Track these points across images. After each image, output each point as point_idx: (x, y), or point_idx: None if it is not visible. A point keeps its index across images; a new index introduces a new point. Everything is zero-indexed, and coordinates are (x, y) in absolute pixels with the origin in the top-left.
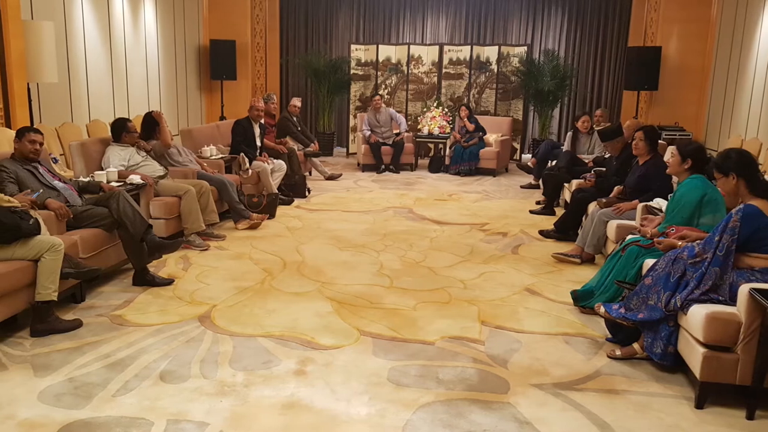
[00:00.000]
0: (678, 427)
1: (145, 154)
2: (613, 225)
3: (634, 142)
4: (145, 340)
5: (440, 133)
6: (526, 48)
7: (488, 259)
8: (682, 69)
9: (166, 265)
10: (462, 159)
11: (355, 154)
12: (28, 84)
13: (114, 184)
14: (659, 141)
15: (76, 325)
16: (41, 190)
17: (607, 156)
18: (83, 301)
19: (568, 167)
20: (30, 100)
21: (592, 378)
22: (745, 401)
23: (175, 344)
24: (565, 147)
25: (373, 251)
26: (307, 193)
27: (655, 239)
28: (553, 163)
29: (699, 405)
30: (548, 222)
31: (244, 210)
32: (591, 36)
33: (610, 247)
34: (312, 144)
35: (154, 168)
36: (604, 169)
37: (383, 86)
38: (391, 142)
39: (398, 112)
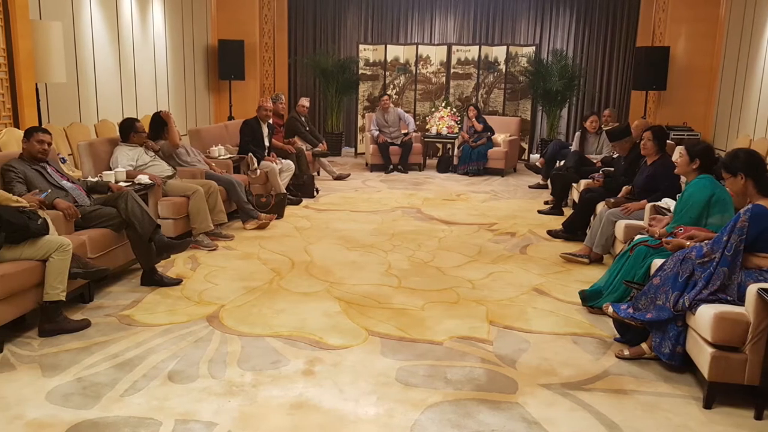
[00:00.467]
0: (686, 427)
1: (153, 154)
2: (621, 225)
3: (642, 142)
4: (153, 340)
5: (448, 133)
6: (534, 48)
7: (496, 259)
8: (690, 69)
9: (174, 265)
10: (470, 159)
11: (364, 154)
12: (36, 84)
13: (122, 184)
14: (667, 141)
15: (85, 325)
16: (49, 190)
17: (615, 156)
18: (91, 301)
19: (577, 167)
20: (38, 100)
21: (600, 378)
22: (753, 401)
23: (184, 344)
24: (574, 147)
25: (382, 251)
26: (315, 193)
27: (663, 239)
28: (562, 163)
29: (707, 405)
30: (556, 222)
31: (252, 210)
32: (599, 36)
33: (619, 247)
34: (320, 144)
35: (163, 168)
36: (612, 169)
37: (391, 86)
38: (399, 142)
39: (406, 112)
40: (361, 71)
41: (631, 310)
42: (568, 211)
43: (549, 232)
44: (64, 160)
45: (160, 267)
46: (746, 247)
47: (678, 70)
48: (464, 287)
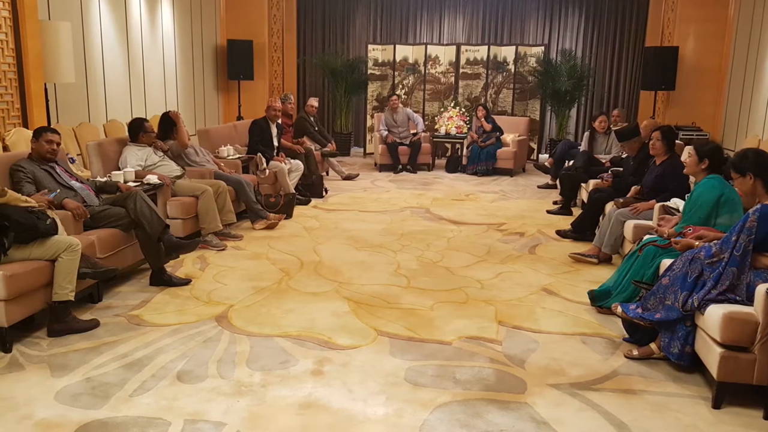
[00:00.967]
0: (695, 427)
1: (162, 154)
2: (630, 225)
3: (651, 142)
4: (162, 340)
5: (457, 133)
6: (543, 48)
7: (505, 259)
8: (699, 69)
9: (183, 265)
10: (479, 159)
11: (372, 154)
12: (45, 84)
13: (131, 184)
14: (676, 141)
15: (93, 325)
16: (58, 190)
17: (624, 156)
18: (100, 301)
19: (585, 167)
20: (47, 101)
21: (609, 378)
22: (762, 401)
23: (192, 344)
24: (582, 147)
25: (390, 251)
26: (324, 193)
27: (672, 239)
28: (570, 163)
29: (716, 405)
30: (565, 222)
31: (261, 210)
32: (608, 36)
33: (627, 247)
34: (329, 144)
35: (171, 168)
36: (621, 169)
37: (400, 86)
38: (408, 142)
39: (415, 112)
40: (370, 71)
41: (640, 310)
42: (577, 211)
43: (558, 232)
44: (73, 160)
45: (169, 267)
46: (755, 247)
47: (687, 70)
48: (473, 287)
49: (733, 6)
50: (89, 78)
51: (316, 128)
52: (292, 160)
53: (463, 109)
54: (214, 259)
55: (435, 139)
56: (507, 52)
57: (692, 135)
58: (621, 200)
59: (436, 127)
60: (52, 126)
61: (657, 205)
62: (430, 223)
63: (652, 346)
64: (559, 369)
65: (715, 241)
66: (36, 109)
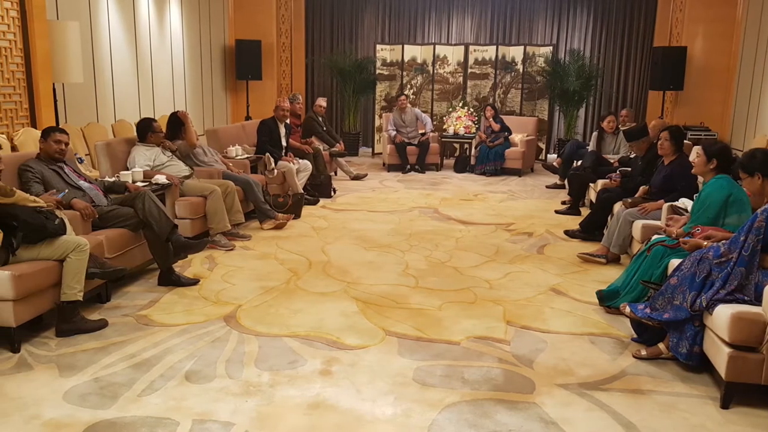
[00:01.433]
0: (703, 427)
1: (170, 154)
2: (638, 225)
3: (659, 142)
4: (170, 340)
5: (466, 133)
6: (551, 48)
7: (514, 259)
8: (707, 69)
9: (191, 265)
10: (487, 159)
11: (381, 154)
12: (53, 84)
13: (139, 184)
14: (684, 141)
15: (102, 325)
16: (67, 190)
17: (632, 156)
18: (109, 301)
19: (594, 167)
20: (55, 100)
21: (617, 378)
22: None
23: (201, 344)
24: (591, 147)
25: (399, 251)
26: (332, 193)
27: (680, 239)
28: (579, 163)
29: (724, 405)
30: (574, 222)
31: (269, 210)
32: (616, 36)
33: (636, 247)
34: (337, 144)
35: (180, 168)
36: (629, 169)
37: (409, 86)
38: (416, 142)
39: (424, 112)
40: (378, 71)
41: (648, 310)
42: (585, 211)
43: (566, 232)
44: (81, 160)
45: (178, 267)
46: (763, 247)
47: (695, 70)
48: (481, 287)
49: (742, 6)
50: (97, 78)
51: (325, 128)
52: (300, 160)
53: (472, 109)
54: (223, 259)
55: (443, 139)
56: (515, 52)
57: (700, 135)
58: (629, 200)
59: (444, 127)
60: (60, 126)
61: (665, 205)
62: (438, 223)
63: (661, 346)
64: (567, 369)
65: (724, 241)
66: (44, 109)
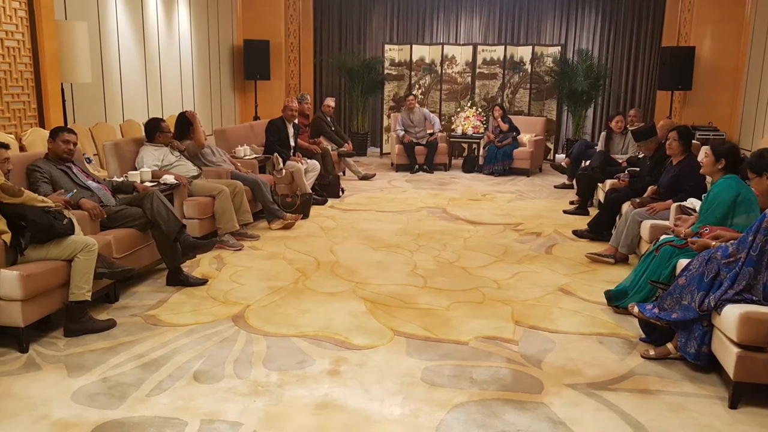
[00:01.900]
0: (712, 427)
1: (178, 154)
2: (646, 225)
3: (667, 142)
4: (178, 340)
5: (474, 133)
6: (559, 48)
7: (522, 259)
8: (715, 69)
9: (199, 265)
10: (496, 159)
11: (389, 154)
12: (62, 84)
13: (148, 184)
14: (693, 141)
15: (110, 325)
16: (75, 190)
17: (640, 156)
18: (117, 301)
19: (602, 167)
20: (64, 101)
21: (625, 378)
22: None
23: (209, 344)
24: (599, 147)
25: (407, 251)
26: (340, 193)
27: (688, 239)
28: (587, 163)
29: (733, 405)
30: (582, 222)
31: (277, 210)
32: (625, 36)
33: (644, 247)
34: (346, 144)
35: (188, 168)
36: (637, 169)
37: (417, 86)
38: (424, 142)
39: (432, 112)
40: (386, 71)
41: (656, 310)
42: (593, 211)
43: (574, 232)
44: (89, 160)
45: (186, 267)
46: None
47: (703, 70)
48: (490, 287)
49: (750, 6)
50: (106, 78)
51: (333, 128)
52: (308, 160)
53: (480, 109)
54: (231, 259)
55: (451, 139)
56: (524, 52)
57: (709, 135)
58: (638, 200)
59: (452, 127)
60: (68, 126)
61: (674, 205)
62: (446, 223)
63: (669, 346)
64: (575, 369)
65: (732, 241)
66: (52, 109)
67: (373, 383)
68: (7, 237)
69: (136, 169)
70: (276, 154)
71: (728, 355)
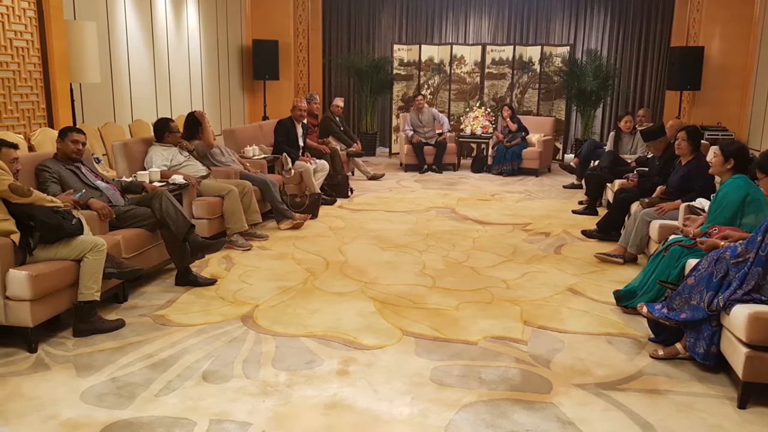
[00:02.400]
0: (721, 427)
1: (187, 154)
2: (655, 225)
3: (676, 142)
4: (187, 340)
5: (483, 133)
6: (568, 48)
7: (531, 259)
8: (724, 69)
9: (208, 265)
10: (504, 159)
11: (398, 154)
12: (70, 84)
13: (157, 184)
14: (702, 141)
15: (119, 325)
16: (84, 190)
17: (649, 156)
18: (126, 301)
19: (611, 167)
20: (73, 100)
21: (634, 378)
22: None
23: (218, 344)
24: (608, 147)
25: (416, 251)
26: (349, 193)
27: (697, 239)
28: (596, 163)
29: (742, 405)
30: (591, 222)
31: (286, 210)
32: (633, 36)
33: (653, 247)
34: (355, 144)
35: (197, 168)
36: (646, 169)
37: (426, 86)
38: (433, 142)
39: (441, 112)
40: (395, 71)
41: (665, 310)
42: (602, 211)
43: (583, 232)
44: (98, 160)
45: (195, 267)
46: None
47: (712, 70)
48: (498, 287)
49: (759, 6)
50: (115, 78)
51: (342, 128)
52: (317, 160)
53: (489, 109)
54: (240, 259)
55: (460, 139)
56: (532, 52)
57: (718, 135)
58: (646, 200)
59: (461, 127)
60: (77, 126)
61: (682, 205)
62: (455, 223)
63: (678, 346)
64: (584, 369)
65: (741, 241)
66: (61, 109)
67: (382, 383)
68: (16, 237)
69: (145, 169)
70: (285, 154)
71: (737, 355)
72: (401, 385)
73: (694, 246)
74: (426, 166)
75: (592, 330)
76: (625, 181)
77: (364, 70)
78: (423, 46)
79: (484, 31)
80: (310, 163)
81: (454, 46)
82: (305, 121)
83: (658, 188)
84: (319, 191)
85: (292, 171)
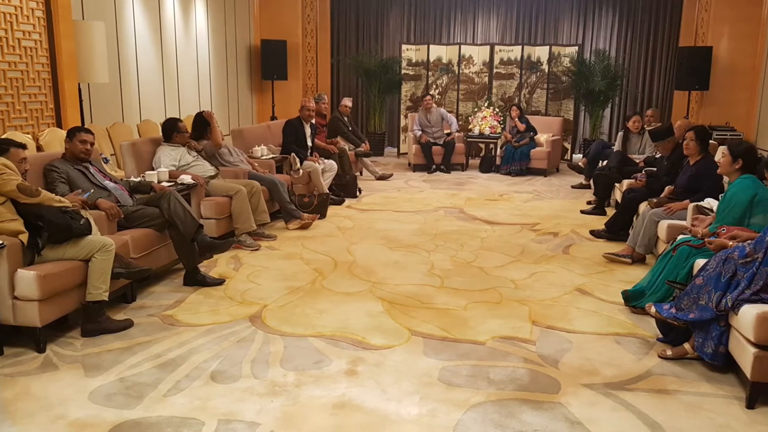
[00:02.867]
0: (729, 427)
1: (196, 154)
2: (664, 225)
3: (685, 142)
4: (196, 340)
5: (491, 133)
6: (577, 48)
7: (539, 259)
8: (732, 69)
9: (217, 265)
10: (513, 159)
11: (406, 154)
12: (79, 84)
13: (165, 184)
14: (710, 141)
15: (127, 325)
16: (92, 190)
17: (657, 156)
18: (134, 301)
19: (619, 167)
20: (81, 101)
21: (642, 378)
22: None
23: (226, 344)
24: (616, 147)
25: (424, 251)
26: (357, 193)
27: (705, 239)
28: (604, 163)
29: (750, 405)
30: (599, 222)
31: (295, 210)
32: (642, 36)
33: (661, 247)
34: (363, 144)
35: (205, 168)
36: (654, 169)
37: (434, 86)
38: (442, 142)
39: (449, 112)
40: (403, 71)
41: (673, 310)
42: (610, 211)
43: (592, 232)
44: (106, 160)
45: (203, 267)
46: None
47: (720, 70)
48: (507, 287)
49: (767, 6)
50: (123, 78)
51: (350, 128)
52: (325, 160)
53: (497, 109)
54: (248, 259)
55: (469, 139)
56: (541, 52)
57: (726, 135)
58: (655, 200)
59: (469, 127)
60: (85, 126)
61: (691, 205)
62: (463, 223)
63: (686, 346)
64: (592, 369)
65: (749, 241)
66: (70, 110)
67: (391, 383)
68: (24, 237)
69: (153, 169)
70: (293, 154)
71: (745, 355)
72: (409, 385)
73: (703, 246)
74: (434, 166)
75: (600, 330)
76: (633, 181)
77: (373, 70)
78: (431, 46)
79: (493, 31)
80: (319, 163)
81: (462, 46)
82: (313, 121)
83: (667, 188)
84: (328, 191)
85: (301, 171)
